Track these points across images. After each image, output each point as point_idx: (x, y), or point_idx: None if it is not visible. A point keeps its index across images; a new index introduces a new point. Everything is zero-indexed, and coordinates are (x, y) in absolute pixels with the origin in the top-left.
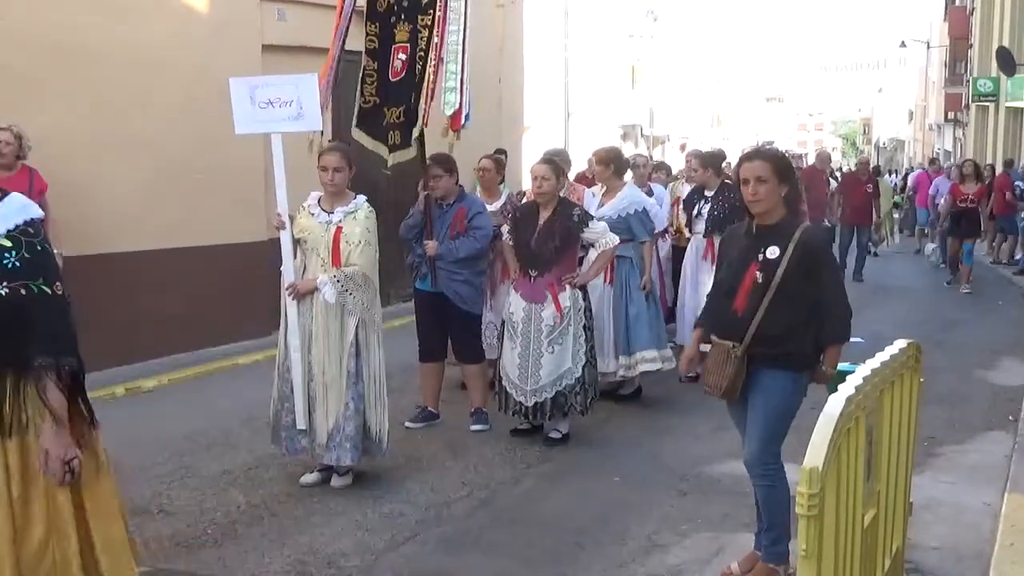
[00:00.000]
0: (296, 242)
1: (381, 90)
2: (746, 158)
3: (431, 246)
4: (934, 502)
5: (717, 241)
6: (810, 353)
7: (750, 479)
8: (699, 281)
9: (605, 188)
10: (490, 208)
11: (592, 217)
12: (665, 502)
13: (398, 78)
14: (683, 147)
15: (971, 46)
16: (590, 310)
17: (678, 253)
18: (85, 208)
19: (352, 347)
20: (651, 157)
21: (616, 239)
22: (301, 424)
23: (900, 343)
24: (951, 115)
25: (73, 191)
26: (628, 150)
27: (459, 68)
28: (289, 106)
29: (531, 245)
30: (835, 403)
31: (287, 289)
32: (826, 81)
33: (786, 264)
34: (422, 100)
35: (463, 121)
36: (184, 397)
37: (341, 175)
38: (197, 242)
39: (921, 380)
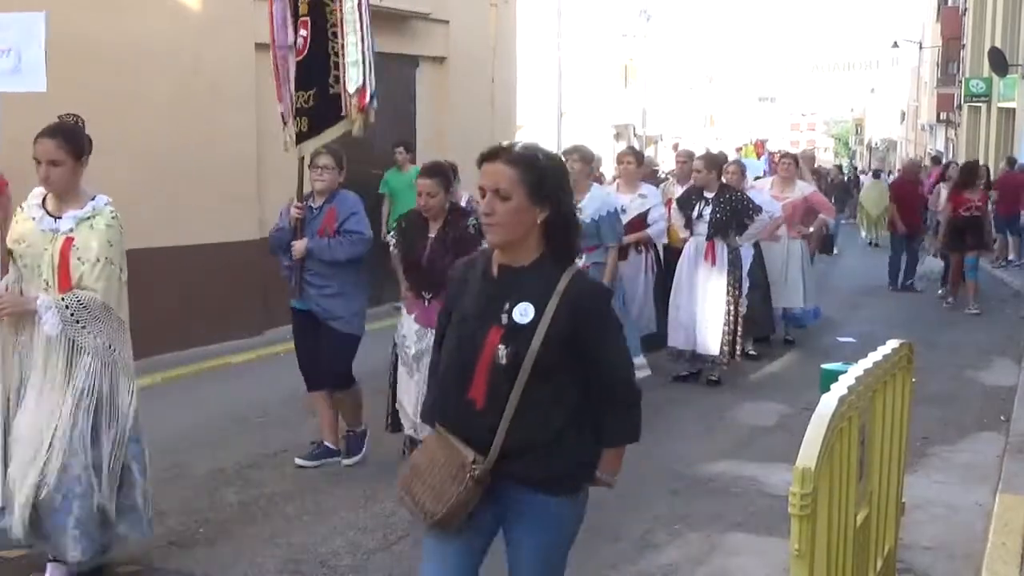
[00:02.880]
0: (8, 254)
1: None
2: (486, 157)
3: (298, 247)
4: (926, 502)
5: (719, 245)
6: (591, 460)
7: None
8: (695, 284)
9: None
10: None
11: None
12: (658, 501)
13: (301, 57)
14: (675, 147)
15: (963, 46)
16: None
17: (669, 253)
18: None
19: (88, 398)
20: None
21: None
22: None
23: (893, 343)
24: (943, 115)
25: None
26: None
27: (359, 39)
28: (6, 56)
29: (421, 263)
30: (827, 403)
31: None
32: (818, 81)
33: (546, 332)
34: (343, 81)
35: (368, 100)
36: (176, 396)
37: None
38: (188, 240)
39: (913, 380)
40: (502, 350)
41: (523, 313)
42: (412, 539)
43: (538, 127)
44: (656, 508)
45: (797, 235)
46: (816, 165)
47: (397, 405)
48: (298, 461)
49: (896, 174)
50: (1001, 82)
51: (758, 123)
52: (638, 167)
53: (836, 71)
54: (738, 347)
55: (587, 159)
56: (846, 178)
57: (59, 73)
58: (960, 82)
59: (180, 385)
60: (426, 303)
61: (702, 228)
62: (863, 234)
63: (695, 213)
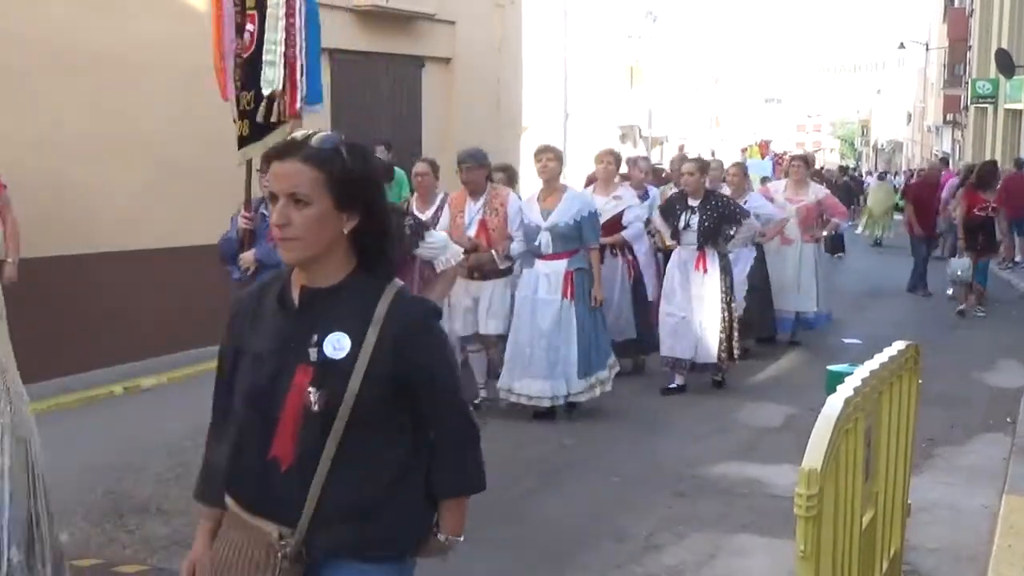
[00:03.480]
0: None
1: (238, 71)
2: (275, 155)
3: (246, 258)
4: (932, 504)
5: (709, 252)
6: (422, 518)
7: None
8: (688, 292)
9: (546, 190)
10: (423, 216)
11: (428, 227)
12: (662, 502)
13: (248, 54)
14: (681, 148)
15: (970, 48)
16: None
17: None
18: (83, 207)
19: None
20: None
21: (459, 253)
22: None
23: (899, 344)
24: (950, 117)
25: (70, 190)
26: (627, 151)
27: (280, 38)
28: None
29: None
30: (833, 404)
31: None
32: (825, 82)
33: (366, 368)
34: (278, 83)
35: (298, 104)
36: (183, 396)
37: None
38: (195, 241)
39: (920, 381)
40: (313, 394)
41: (337, 346)
42: None
43: (544, 128)
44: (661, 509)
45: (810, 239)
46: (822, 167)
47: None
48: None
49: (903, 175)
50: (1008, 83)
51: (764, 124)
52: (617, 168)
53: (842, 72)
54: (736, 350)
55: (560, 158)
56: (851, 180)
57: (63, 78)
58: (967, 83)
59: (185, 385)
60: None
61: (690, 238)
62: (860, 230)
63: (682, 223)
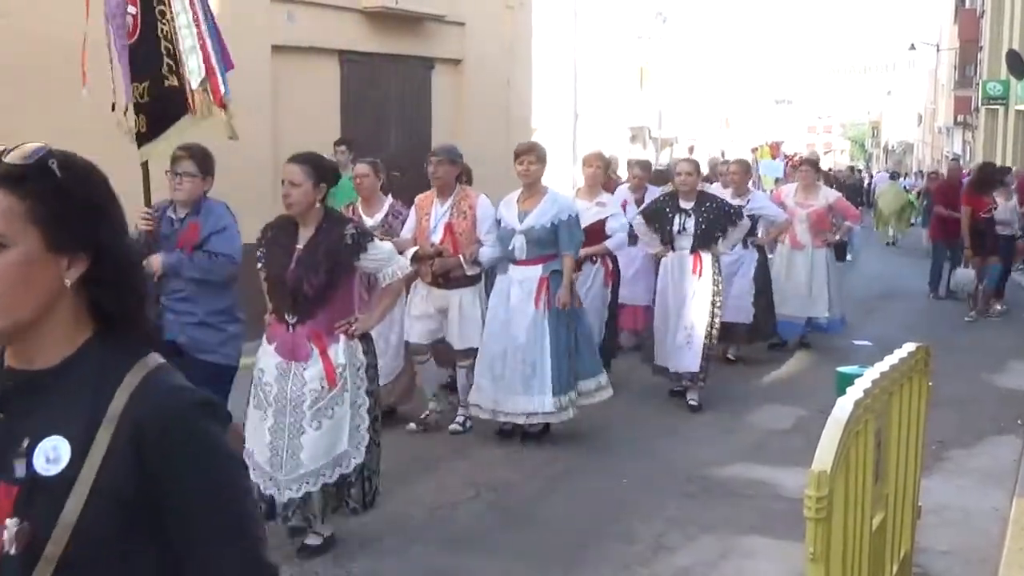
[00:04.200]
0: None
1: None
2: None
3: (153, 263)
4: (942, 506)
5: (704, 256)
6: None
7: None
8: (681, 301)
9: (526, 192)
10: (368, 222)
11: (372, 237)
12: (672, 504)
13: (132, 40)
14: (691, 149)
15: (981, 49)
16: (375, 367)
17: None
18: None
19: None
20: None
21: (406, 266)
22: None
23: (909, 346)
24: (960, 118)
25: None
26: (636, 153)
27: (192, 21)
28: None
29: (285, 278)
30: (843, 406)
31: None
32: (835, 83)
33: (90, 490)
34: (184, 72)
35: (222, 91)
36: None
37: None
38: None
39: (930, 383)
40: (12, 527)
41: (51, 457)
42: (426, 540)
43: (553, 129)
44: (670, 511)
45: (822, 244)
46: (829, 169)
47: (246, 457)
48: None
49: (913, 177)
50: (1019, 85)
51: (774, 125)
52: (604, 172)
53: (853, 73)
54: (715, 350)
55: (543, 159)
56: (861, 180)
57: (76, 78)
58: (977, 85)
59: None
60: (290, 329)
61: (685, 242)
62: (877, 229)
63: (676, 227)
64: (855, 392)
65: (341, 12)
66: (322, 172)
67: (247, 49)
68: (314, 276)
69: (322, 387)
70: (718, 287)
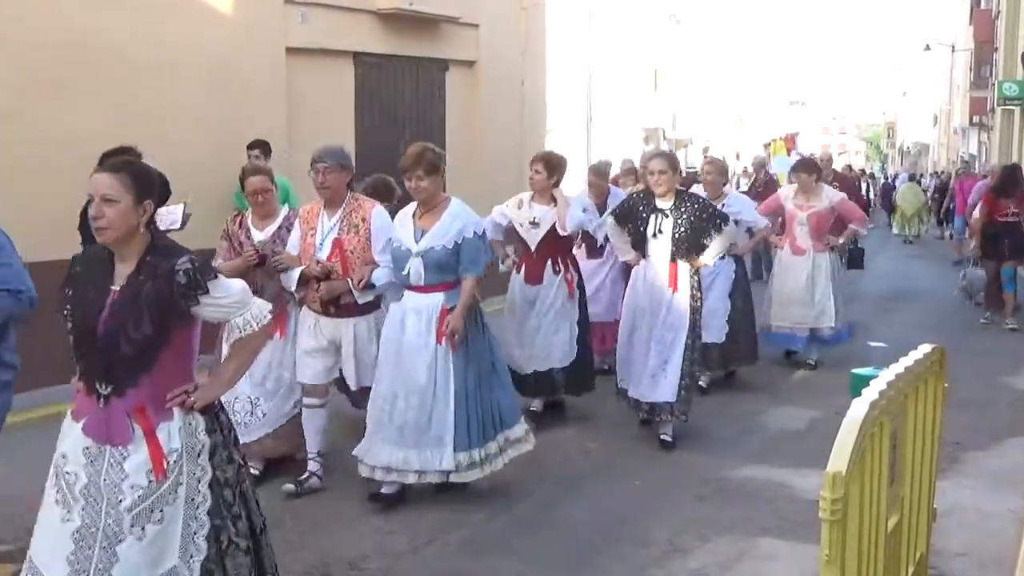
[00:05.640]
0: None
1: None
2: None
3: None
4: (958, 508)
5: (682, 266)
6: None
7: None
8: (654, 319)
9: (423, 207)
10: (258, 237)
11: (215, 274)
12: (686, 506)
13: None
14: (706, 150)
15: (996, 49)
16: (230, 445)
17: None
18: None
19: None
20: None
21: (267, 313)
22: None
23: (925, 347)
24: (976, 119)
25: None
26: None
27: None
28: None
29: (96, 332)
30: (859, 407)
31: None
32: (850, 84)
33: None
34: None
35: None
36: None
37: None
38: (214, 244)
39: (946, 385)
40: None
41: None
42: (440, 543)
43: (568, 131)
44: (685, 513)
45: (824, 247)
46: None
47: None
48: None
49: (929, 178)
50: None
51: (789, 126)
52: (548, 177)
53: (867, 74)
54: (701, 383)
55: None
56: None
57: (94, 81)
58: (993, 85)
59: None
60: (101, 403)
61: (662, 248)
62: (895, 230)
63: (651, 230)
64: (870, 394)
65: (355, 14)
66: (146, 184)
67: (261, 51)
68: (134, 329)
69: (149, 481)
70: (698, 303)
